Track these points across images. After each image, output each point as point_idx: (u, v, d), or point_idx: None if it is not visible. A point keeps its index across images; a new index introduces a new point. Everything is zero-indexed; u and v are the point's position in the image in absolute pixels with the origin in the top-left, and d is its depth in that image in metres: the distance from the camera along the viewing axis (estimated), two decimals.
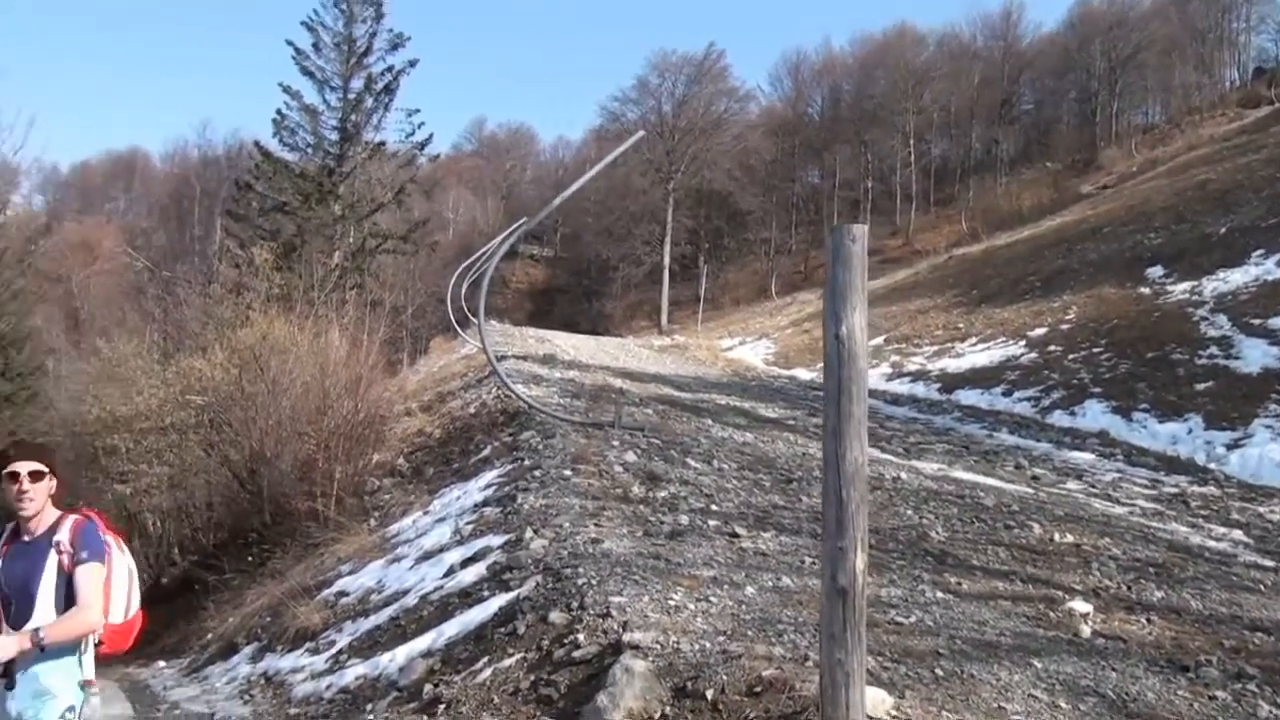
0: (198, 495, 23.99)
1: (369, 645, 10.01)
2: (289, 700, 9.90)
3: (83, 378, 31.55)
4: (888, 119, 61.62)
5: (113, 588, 4.55)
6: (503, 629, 8.11)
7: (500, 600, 8.71)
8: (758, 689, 5.87)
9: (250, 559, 17.99)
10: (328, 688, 9.51)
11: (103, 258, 66.16)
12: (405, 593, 10.73)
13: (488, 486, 13.23)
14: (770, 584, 8.34)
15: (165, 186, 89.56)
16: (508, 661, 7.56)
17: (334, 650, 10.51)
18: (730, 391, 23.53)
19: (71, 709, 4.37)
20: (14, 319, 33.14)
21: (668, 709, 6.08)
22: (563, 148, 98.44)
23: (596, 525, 10.16)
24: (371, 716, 7.99)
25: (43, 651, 4.24)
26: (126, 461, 25.68)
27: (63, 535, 4.43)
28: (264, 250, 30.48)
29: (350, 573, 12.81)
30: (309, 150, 42.78)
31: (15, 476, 4.38)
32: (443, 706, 7.45)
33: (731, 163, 63.80)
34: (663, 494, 11.68)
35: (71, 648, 4.38)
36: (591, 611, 7.55)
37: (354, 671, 9.46)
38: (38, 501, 4.42)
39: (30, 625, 4.28)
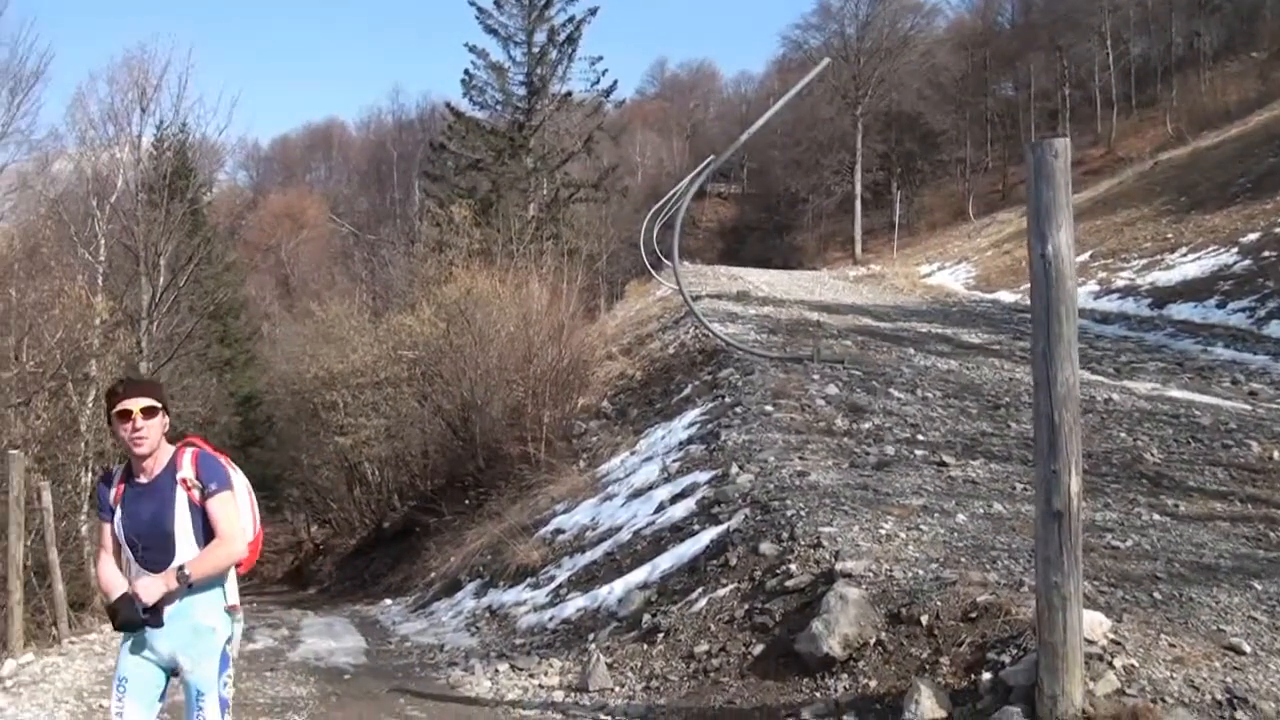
0: (414, 444, 24.98)
1: (587, 579, 10.38)
2: (514, 631, 10.36)
3: (298, 339, 33.09)
4: (1082, 21, 58.13)
5: (240, 511, 4.36)
6: (715, 561, 8.32)
7: (711, 533, 8.91)
8: (973, 614, 5.89)
9: (467, 502, 18.72)
10: (550, 619, 9.92)
11: (308, 226, 68.82)
12: (618, 529, 11.05)
13: (691, 425, 13.42)
14: (981, 511, 8.29)
15: (363, 154, 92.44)
16: (721, 591, 7.76)
17: (554, 584, 10.94)
18: (931, 319, 23.11)
19: (229, 640, 4.22)
20: (229, 289, 34.97)
21: (883, 635, 6.15)
22: (745, 82, 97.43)
23: (801, 459, 10.23)
24: (594, 645, 8.31)
25: (189, 588, 4.06)
26: (345, 415, 26.96)
27: (186, 471, 4.18)
28: (462, 208, 31.31)
29: (564, 511, 13.24)
30: (498, 107, 43.57)
31: (127, 415, 4.09)
32: (661, 635, 7.71)
33: (920, 82, 61.65)
34: (867, 425, 11.64)
35: (218, 579, 4.21)
36: (802, 542, 7.67)
37: (574, 604, 9.84)
38: (152, 439, 4.11)
39: (174, 560, 4.08)
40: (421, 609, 14.31)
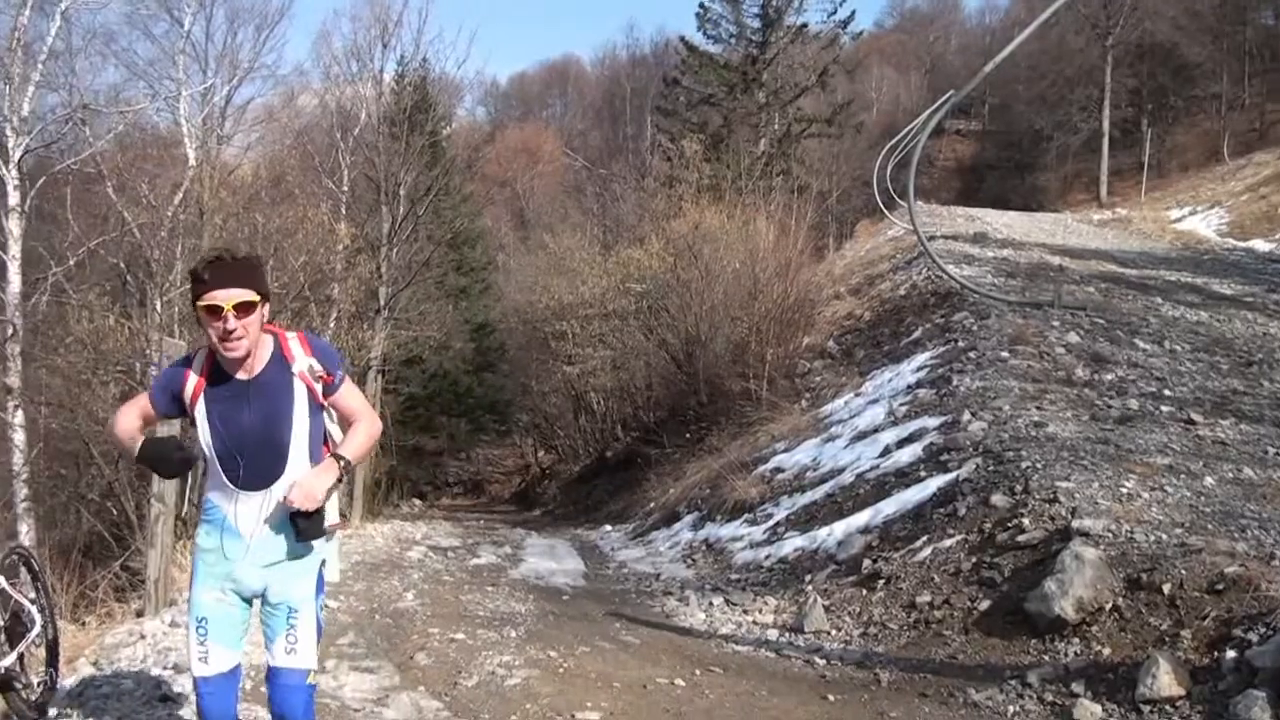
0: (638, 376, 25.22)
1: (805, 519, 10.23)
2: (729, 566, 10.33)
3: (531, 270, 33.80)
4: None
5: None
6: (942, 509, 8.03)
7: (938, 481, 8.60)
8: (1219, 586, 5.51)
9: (688, 436, 18.80)
10: (766, 557, 9.82)
11: (543, 160, 70.16)
12: (840, 471, 10.83)
13: (920, 369, 13.04)
14: (1230, 475, 7.74)
15: (597, 89, 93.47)
16: (947, 542, 7.48)
17: (771, 522, 10.83)
18: (1180, 267, 21.76)
19: (324, 562, 3.69)
20: (466, 220, 35.85)
21: (1120, 600, 5.81)
22: (990, 12, 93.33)
23: (1038, 408, 9.78)
24: (810, 586, 8.17)
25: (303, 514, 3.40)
26: (573, 345, 27.43)
27: (301, 361, 3.44)
28: (693, 142, 31.20)
29: (785, 450, 13.09)
30: (732, 40, 43.13)
31: (217, 312, 3.24)
32: (881, 581, 7.50)
33: (1176, 9, 57.50)
34: (1109, 377, 11.06)
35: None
36: (1037, 496, 7.31)
37: (792, 543, 9.71)
38: (249, 339, 3.31)
39: (283, 479, 3.41)
40: (639, 537, 14.46)
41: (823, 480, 10.98)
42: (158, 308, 16.79)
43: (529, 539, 15.45)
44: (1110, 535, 6.38)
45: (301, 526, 3.38)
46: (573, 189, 52.89)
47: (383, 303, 22.18)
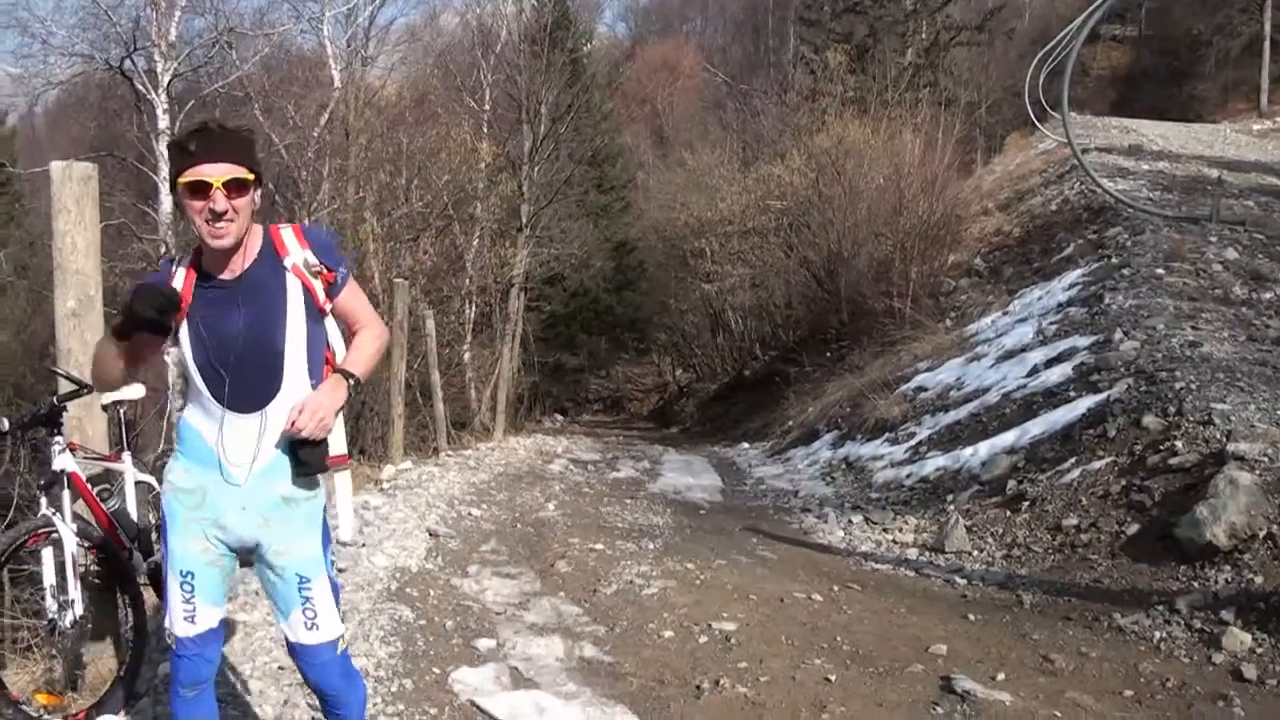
0: (777, 294, 25.07)
1: (948, 439, 10.08)
2: (869, 485, 10.26)
3: (670, 188, 33.67)
4: None
5: None
6: (1091, 430, 7.81)
7: (1088, 401, 8.36)
8: None
9: (828, 354, 18.65)
10: (908, 476, 9.73)
11: (683, 76, 69.34)
12: (985, 390, 10.62)
13: (1071, 286, 12.65)
14: None
15: (739, 2, 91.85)
16: (1096, 464, 7.29)
17: (913, 442, 10.71)
18: None
19: (330, 516, 3.12)
20: (606, 137, 35.83)
21: (1275, 527, 5.61)
22: None
23: (1194, 327, 9.41)
24: (952, 506, 8.07)
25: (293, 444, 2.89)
26: (712, 263, 27.37)
27: (296, 254, 2.92)
28: (837, 54, 30.54)
29: (928, 370, 12.89)
30: None
31: (203, 190, 2.71)
32: (1026, 504, 7.36)
33: None
34: (1268, 295, 10.58)
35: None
36: (1191, 418, 7.05)
37: (934, 463, 9.59)
38: (238, 226, 2.78)
39: (279, 399, 2.86)
40: (777, 455, 14.47)
41: (967, 400, 10.78)
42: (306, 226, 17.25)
43: (666, 455, 15.60)
44: (1267, 460, 6.13)
45: (304, 457, 2.88)
46: (713, 105, 52.26)
47: (524, 221, 22.44)
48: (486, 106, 24.22)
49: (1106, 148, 23.21)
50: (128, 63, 18.14)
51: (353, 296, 3.06)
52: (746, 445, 16.68)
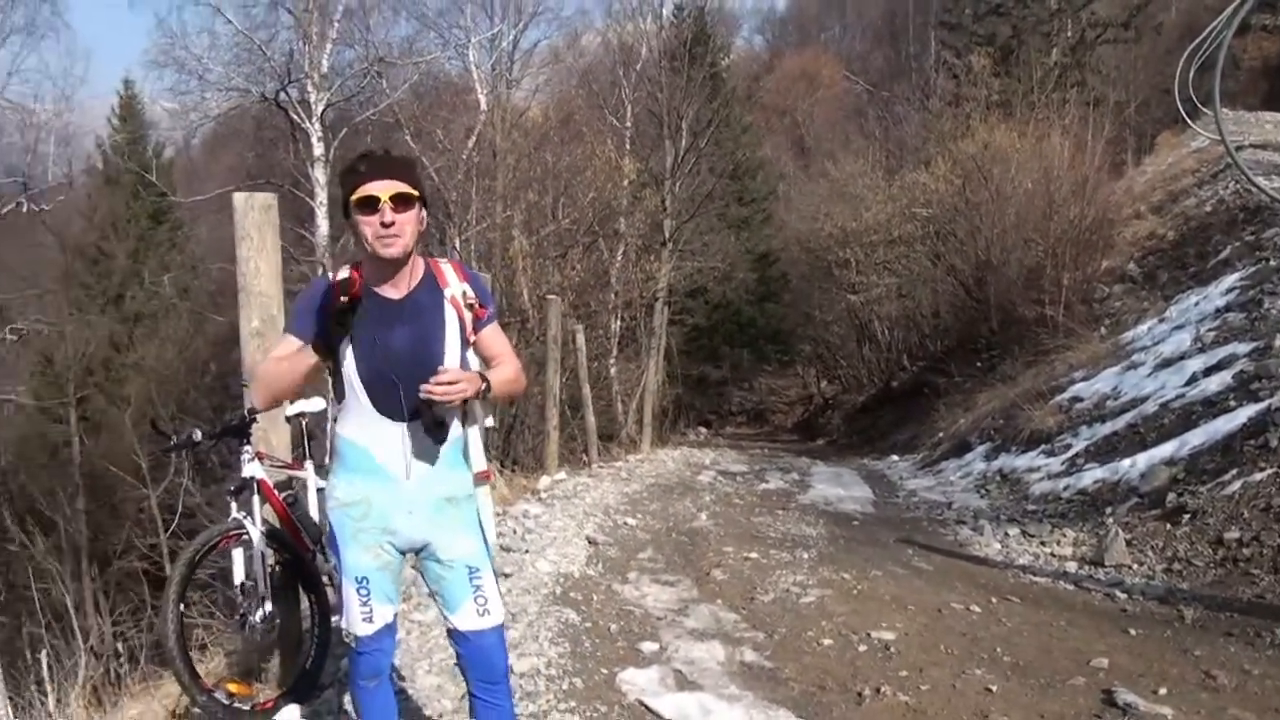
0: (924, 304, 24.80)
1: (1106, 450, 9.90)
2: (1025, 497, 10.14)
3: (812, 198, 33.54)
4: None
5: None
6: (1252, 441, 7.62)
7: (1248, 411, 8.16)
8: None
9: (978, 364, 18.39)
10: (1064, 488, 9.59)
11: (823, 85, 68.92)
12: (1143, 400, 10.40)
13: (1229, 291, 12.29)
14: None
15: (878, 8, 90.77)
16: (1258, 476, 7.12)
17: (1069, 453, 10.54)
18: None
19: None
20: (747, 150, 35.90)
21: None
22: None
23: None
24: (1111, 519, 7.95)
25: (439, 428, 3.11)
26: (856, 273, 27.17)
27: (455, 286, 3.19)
28: (980, 57, 30.09)
29: (1083, 379, 12.66)
30: None
31: (372, 204, 2.99)
32: (1187, 516, 7.23)
33: None
34: None
35: (461, 441, 3.23)
36: None
37: (1091, 475, 9.44)
38: (406, 238, 3.03)
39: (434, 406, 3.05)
40: (928, 467, 14.35)
41: (1124, 410, 10.57)
42: (456, 245, 17.77)
43: (815, 467, 15.60)
44: None
45: (425, 421, 3.07)
46: (854, 113, 51.88)
47: (668, 235, 22.68)
48: (629, 124, 24.57)
49: (1262, 144, 22.38)
50: (282, 94, 18.91)
51: (496, 334, 3.29)
52: (896, 457, 16.57)
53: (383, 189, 2.97)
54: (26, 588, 24.76)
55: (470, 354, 3.24)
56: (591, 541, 7.49)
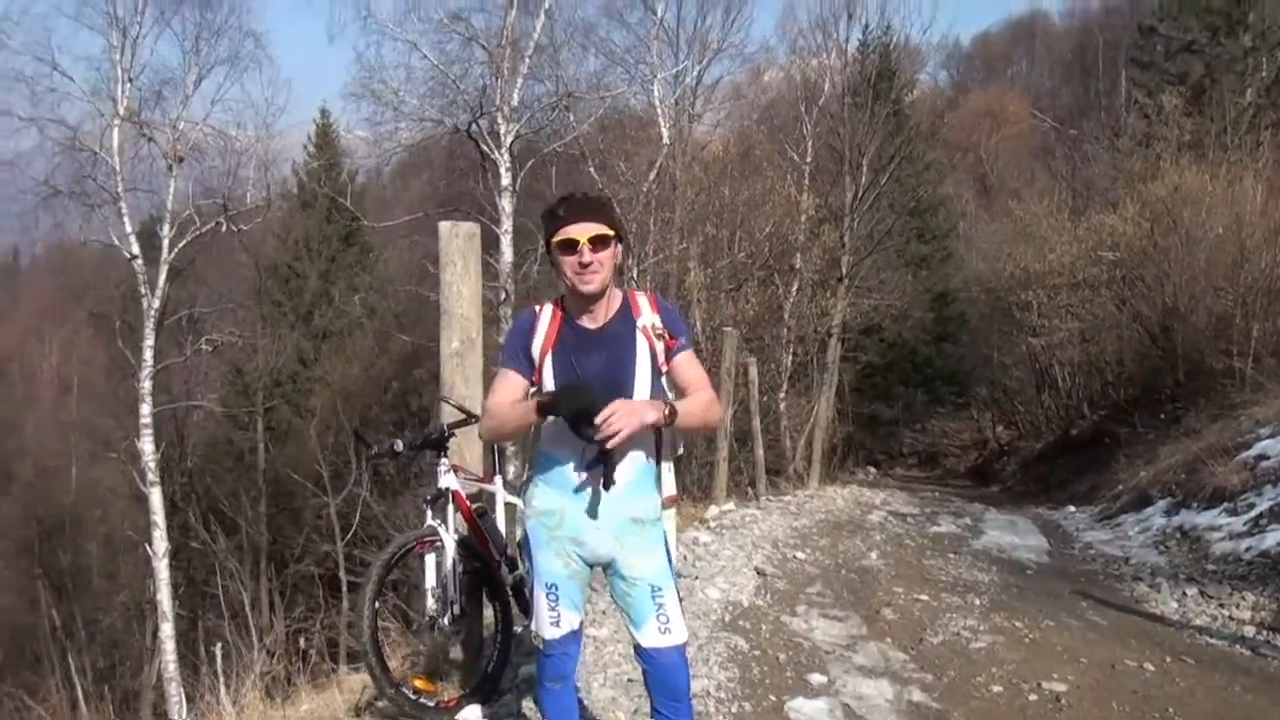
0: (1108, 350, 24.10)
1: None
2: (1205, 556, 9.83)
3: (994, 238, 32.92)
4: None
5: None
6: None
7: None
8: None
9: (1162, 416, 17.77)
10: (1246, 549, 9.29)
11: (1007, 123, 67.58)
12: None
13: None
14: None
15: (1066, 43, 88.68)
16: None
17: (1252, 513, 10.18)
18: None
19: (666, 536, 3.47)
20: (929, 187, 35.45)
21: None
22: None
23: None
24: None
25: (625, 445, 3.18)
26: (1038, 316, 26.52)
27: (648, 317, 3.38)
28: (1171, 96, 29.15)
29: (1269, 435, 12.16)
30: None
31: (572, 246, 3.24)
32: None
33: None
34: None
35: (650, 469, 3.40)
36: None
37: (1274, 536, 9.15)
38: (603, 275, 3.27)
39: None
40: (1106, 519, 13.98)
41: None
42: (634, 276, 18.12)
43: (988, 513, 15.36)
44: None
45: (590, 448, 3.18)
46: (1040, 151, 50.76)
47: (844, 271, 22.63)
48: (808, 159, 24.62)
49: None
50: (474, 126, 19.61)
51: (689, 364, 3.41)
52: (1072, 508, 16.15)
53: (581, 231, 3.23)
54: (205, 583, 26.32)
55: (664, 382, 3.39)
56: (760, 572, 7.60)
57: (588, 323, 3.35)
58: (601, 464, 3.19)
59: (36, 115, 18.80)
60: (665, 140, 21.29)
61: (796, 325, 21.69)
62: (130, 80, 19.07)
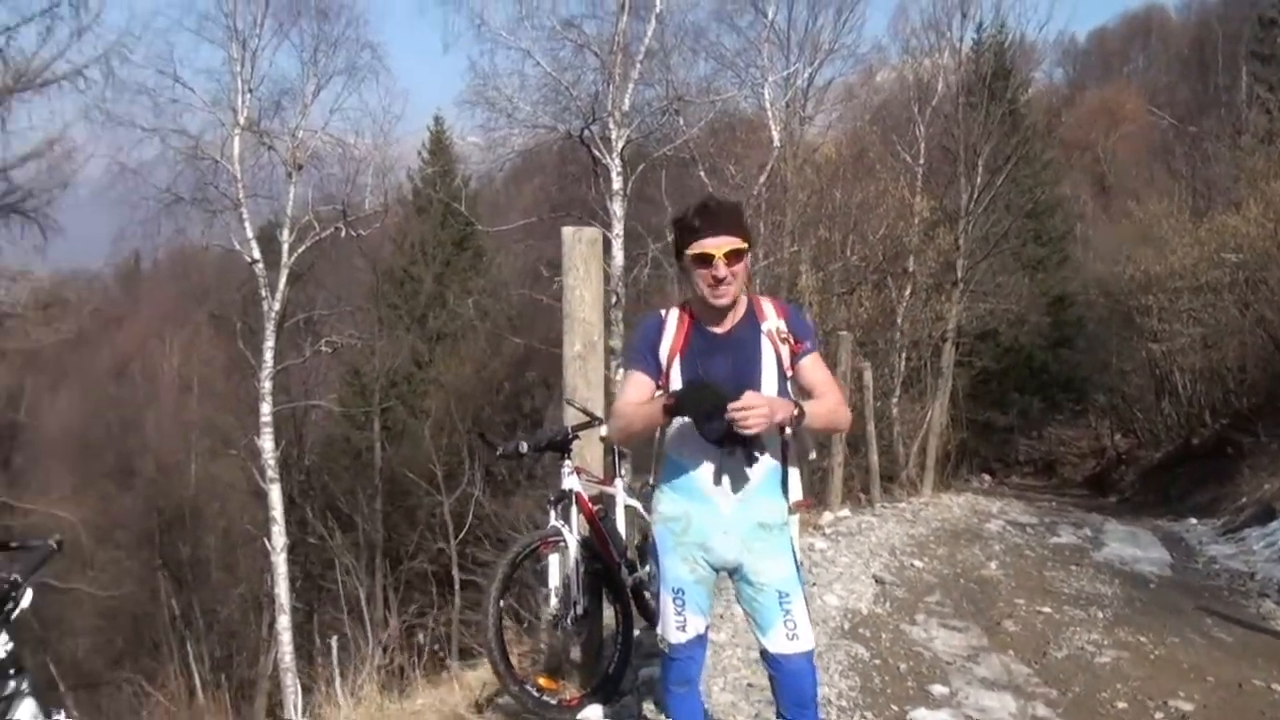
0: (1230, 356, 23.41)
1: None
2: None
3: (1112, 239, 32.15)
4: None
5: None
6: None
7: None
8: None
9: None
10: None
11: (1125, 120, 65.95)
12: None
13: None
14: None
15: (1184, 38, 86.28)
16: None
17: None
18: None
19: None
20: (1046, 188, 34.71)
21: None
22: None
23: None
24: None
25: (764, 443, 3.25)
26: (1158, 321, 25.83)
27: (772, 321, 3.38)
28: None
29: None
30: None
31: (708, 260, 3.22)
32: None
33: None
34: None
35: (780, 473, 3.36)
36: None
37: None
38: (736, 287, 3.28)
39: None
40: (1231, 533, 13.61)
41: None
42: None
43: (1108, 524, 15.04)
44: None
45: (721, 397, 3.11)
46: (1159, 150, 49.35)
47: (959, 275, 22.31)
48: (922, 160, 24.29)
49: None
50: (586, 131, 19.75)
51: (815, 367, 3.42)
52: (1194, 520, 15.72)
53: (717, 246, 3.22)
54: (321, 577, 26.96)
55: (790, 386, 3.39)
56: (878, 580, 7.54)
57: (715, 327, 3.36)
58: (740, 446, 3.19)
59: (159, 125, 19.31)
60: (776, 143, 21.16)
61: (910, 329, 21.39)
62: (250, 91, 19.54)
